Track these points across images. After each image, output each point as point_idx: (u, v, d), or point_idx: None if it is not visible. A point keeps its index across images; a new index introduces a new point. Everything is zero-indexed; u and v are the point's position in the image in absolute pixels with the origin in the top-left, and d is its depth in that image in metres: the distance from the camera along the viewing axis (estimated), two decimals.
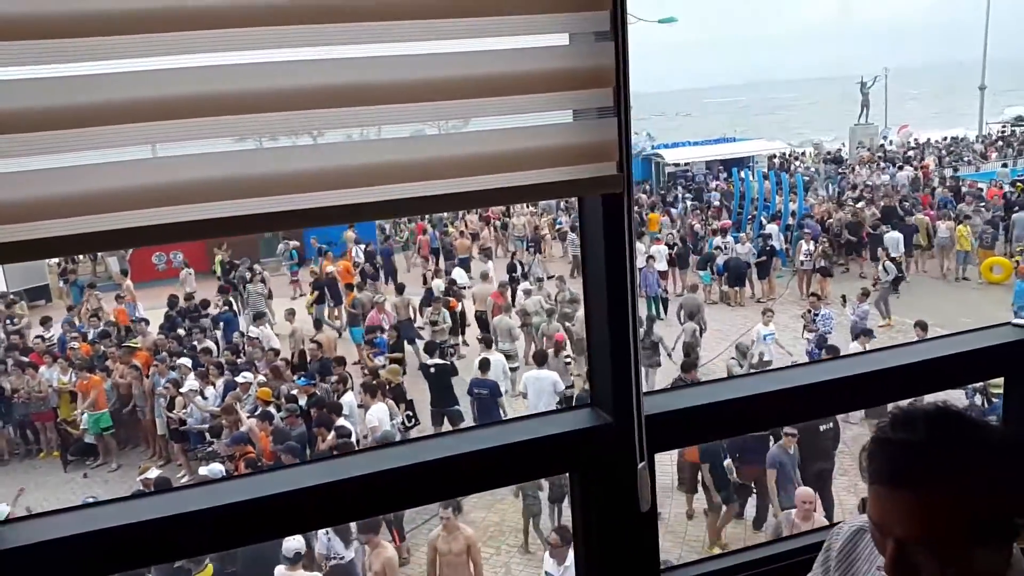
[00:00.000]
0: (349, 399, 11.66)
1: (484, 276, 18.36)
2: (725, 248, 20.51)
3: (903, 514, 1.19)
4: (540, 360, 12.34)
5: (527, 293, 17.41)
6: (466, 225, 26.65)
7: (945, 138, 41.39)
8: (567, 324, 15.74)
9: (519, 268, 19.13)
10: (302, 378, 12.56)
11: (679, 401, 1.88)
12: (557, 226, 26.28)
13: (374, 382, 11.58)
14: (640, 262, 20.04)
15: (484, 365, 12.11)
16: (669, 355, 14.31)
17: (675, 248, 21.35)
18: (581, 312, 15.63)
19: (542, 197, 1.66)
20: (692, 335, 14.99)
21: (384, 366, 12.66)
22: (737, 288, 19.64)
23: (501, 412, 11.81)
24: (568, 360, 13.85)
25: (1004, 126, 46.73)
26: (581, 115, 1.69)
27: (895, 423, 1.23)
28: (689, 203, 28.00)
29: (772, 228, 21.93)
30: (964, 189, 25.12)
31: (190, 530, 1.54)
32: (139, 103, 1.40)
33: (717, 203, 26.12)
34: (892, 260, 18.36)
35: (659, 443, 1.82)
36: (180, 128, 1.46)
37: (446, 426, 12.40)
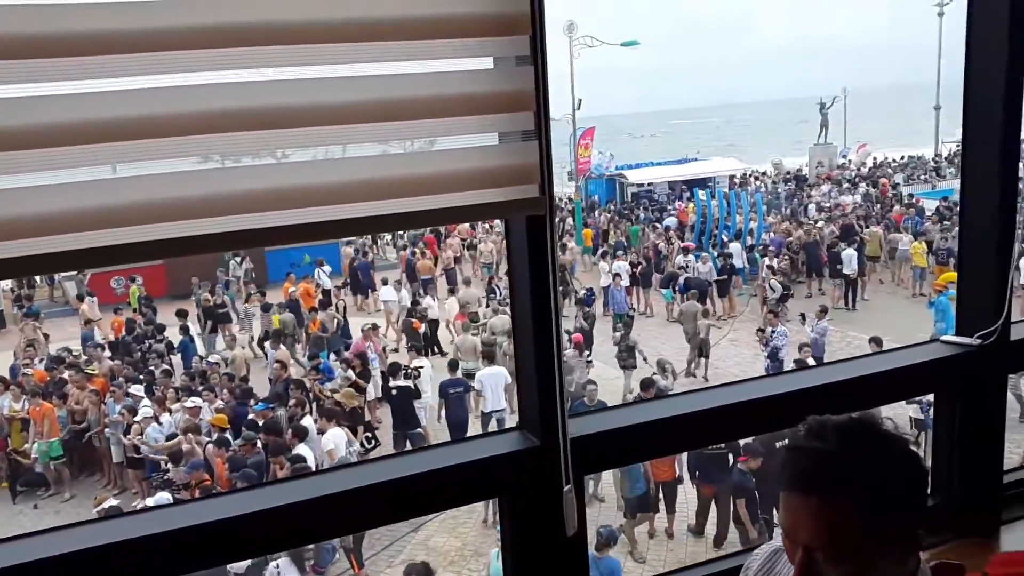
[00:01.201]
0: (308, 423, 11.48)
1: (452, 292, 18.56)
2: (687, 267, 20.69)
3: (809, 520, 1.21)
4: (490, 357, 13.21)
5: (495, 312, 17.42)
6: (427, 246, 26.59)
7: (902, 157, 42.30)
8: None
9: (497, 292, 19.18)
10: (261, 403, 12.37)
11: (606, 422, 1.87)
12: None
13: (331, 406, 11.45)
14: (606, 280, 20.20)
15: (453, 366, 12.88)
16: (645, 359, 14.72)
17: (639, 267, 21.50)
18: None
19: (467, 219, 1.66)
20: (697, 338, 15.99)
21: (336, 390, 12.54)
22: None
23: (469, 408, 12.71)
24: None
25: (958, 145, 47.84)
26: (506, 138, 1.70)
27: (808, 432, 1.27)
28: (647, 221, 28.26)
29: (734, 246, 22.18)
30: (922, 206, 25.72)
31: (132, 558, 1.50)
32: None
33: (675, 226, 26.39)
34: (844, 276, 18.72)
35: (586, 465, 1.81)
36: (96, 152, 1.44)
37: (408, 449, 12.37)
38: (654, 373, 12.58)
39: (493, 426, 12.74)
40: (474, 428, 12.64)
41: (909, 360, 2.28)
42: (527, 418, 1.83)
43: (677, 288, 20.08)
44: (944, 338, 2.32)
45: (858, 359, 2.37)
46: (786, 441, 1.35)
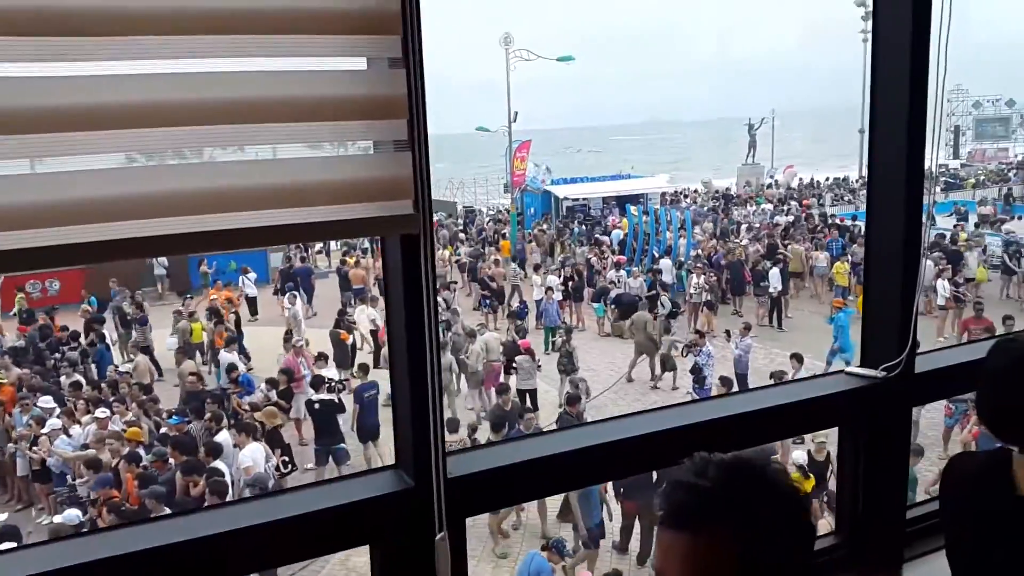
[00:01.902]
0: (224, 438, 11.05)
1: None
2: (618, 282, 20.81)
3: (679, 557, 1.16)
4: (365, 370, 13.51)
5: None
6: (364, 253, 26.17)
7: (828, 178, 43.58)
8: (460, 357, 15.57)
9: (441, 303, 18.98)
10: (174, 416, 11.87)
11: (490, 460, 1.73)
12: (456, 258, 26.18)
13: (249, 421, 11.05)
14: (538, 293, 20.17)
15: (365, 369, 13.30)
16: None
17: (571, 281, 21.53)
18: (476, 345, 15.53)
19: (334, 236, 1.50)
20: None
21: (256, 406, 12.14)
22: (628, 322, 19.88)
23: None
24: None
25: None
26: (379, 148, 1.54)
27: (690, 468, 1.21)
28: (580, 235, 28.43)
29: (664, 262, 22.41)
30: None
31: None
32: None
33: (618, 239, 26.62)
34: (768, 295, 19.12)
35: (465, 508, 1.65)
36: None
37: (331, 465, 12.01)
38: (568, 392, 12.60)
39: None
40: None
41: (813, 392, 2.19)
42: (403, 457, 1.66)
43: (608, 303, 20.20)
44: (848, 369, 2.25)
45: (762, 389, 2.28)
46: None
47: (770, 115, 44.59)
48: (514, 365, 14.44)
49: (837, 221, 28.13)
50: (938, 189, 38.74)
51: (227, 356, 14.60)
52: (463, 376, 15.62)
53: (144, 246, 1.40)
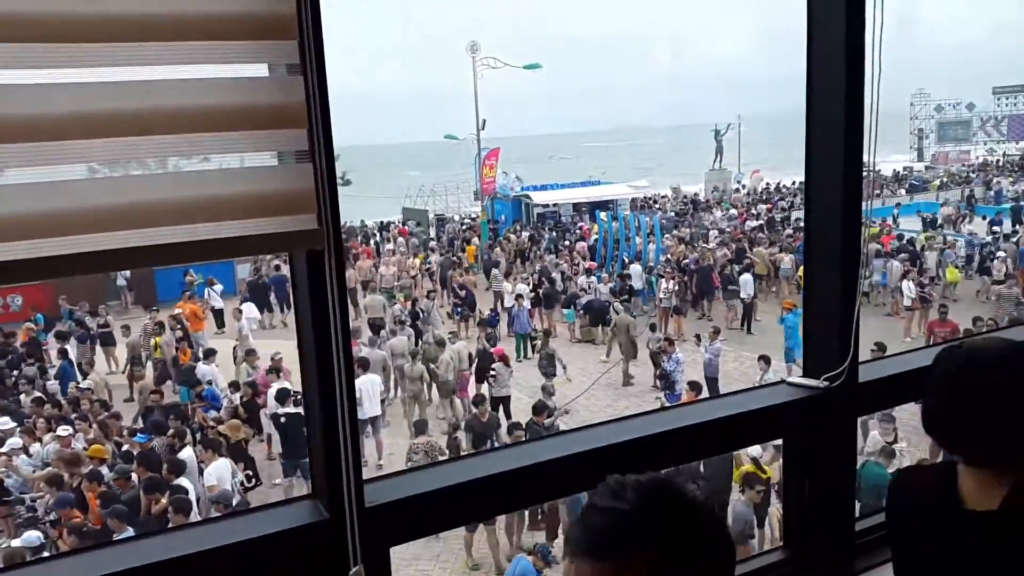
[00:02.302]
0: (188, 454, 10.83)
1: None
2: (589, 288, 20.80)
3: None
4: (364, 366, 13.57)
5: (392, 333, 17.12)
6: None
7: (793, 182, 44.03)
8: (431, 366, 15.45)
9: (420, 315, 18.76)
10: (140, 435, 11.62)
11: (413, 486, 1.64)
12: (427, 265, 26.04)
13: (214, 436, 10.85)
14: (509, 301, 20.10)
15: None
16: (564, 368, 15.91)
17: (542, 287, 21.51)
18: (445, 354, 15.41)
19: (231, 254, 1.40)
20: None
21: (221, 420, 11.94)
22: (600, 327, 19.90)
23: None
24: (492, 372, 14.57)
25: None
26: (281, 159, 1.46)
27: (604, 491, 1.13)
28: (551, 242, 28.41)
29: (634, 268, 22.45)
30: None
31: None
32: None
33: (579, 248, 26.65)
34: (741, 300, 19.18)
35: (385, 538, 1.57)
36: None
37: (297, 476, 11.82)
38: (539, 399, 12.52)
39: (368, 433, 13.33)
40: None
41: (755, 404, 2.13)
42: (318, 486, 1.57)
43: (578, 308, 20.19)
44: (790, 380, 2.19)
45: (703, 402, 2.21)
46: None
47: (736, 120, 45.02)
48: (492, 373, 14.29)
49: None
50: (903, 191, 39.40)
51: (204, 368, 14.38)
52: (434, 385, 15.51)
53: (32, 268, 1.30)
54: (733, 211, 32.22)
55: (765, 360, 13.65)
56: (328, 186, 1.41)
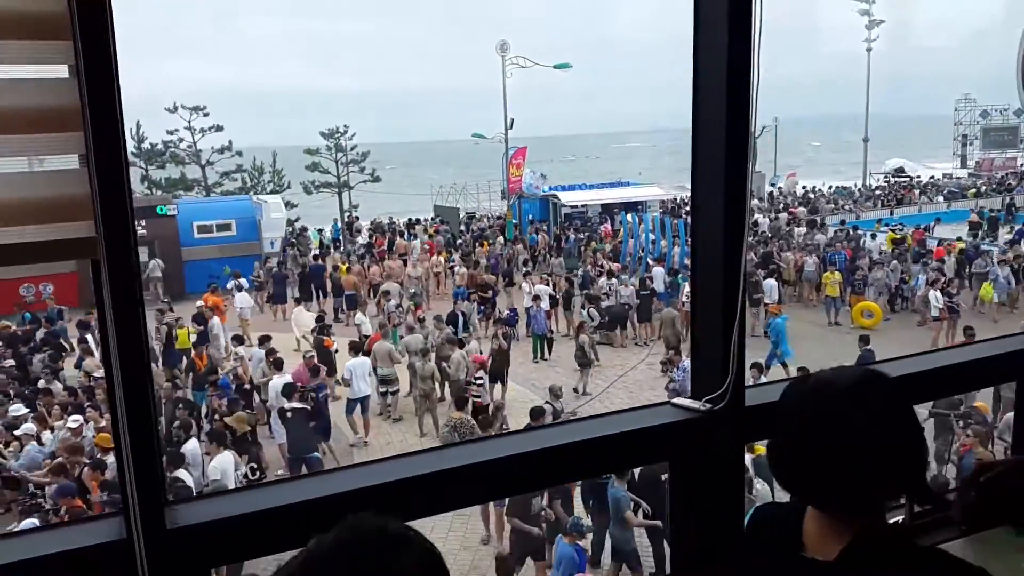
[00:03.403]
0: (193, 446, 10.94)
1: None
2: (610, 290, 20.64)
3: None
4: (357, 349, 14.68)
5: (410, 330, 17.15)
6: (352, 259, 26.12)
7: (829, 186, 43.30)
8: (443, 365, 15.44)
9: (460, 318, 18.73)
10: None
11: (222, 509, 1.56)
12: (451, 263, 26.07)
13: (221, 429, 10.93)
14: (527, 301, 20.03)
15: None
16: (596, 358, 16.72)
17: (562, 290, 21.41)
18: (457, 354, 15.37)
19: (5, 262, 1.34)
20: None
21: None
22: (619, 330, 19.75)
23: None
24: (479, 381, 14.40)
25: (885, 177, 49.40)
26: (57, 163, 1.39)
27: (337, 537, 1.03)
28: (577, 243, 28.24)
29: (657, 270, 22.21)
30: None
31: None
32: None
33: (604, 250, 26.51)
34: (765, 306, 18.84)
35: (188, 563, 1.50)
36: None
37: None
38: (546, 401, 12.40)
39: (357, 413, 14.01)
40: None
41: (638, 424, 2.03)
42: (125, 503, 1.51)
43: (600, 311, 20.03)
44: (675, 401, 2.08)
45: (588, 420, 2.12)
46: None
47: (772, 123, 44.36)
48: (479, 380, 14.09)
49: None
50: (940, 198, 38.49)
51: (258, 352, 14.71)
52: (446, 384, 15.50)
53: None
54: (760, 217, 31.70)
55: (758, 368, 13.44)
56: (111, 192, 1.34)
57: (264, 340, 15.11)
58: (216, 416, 11.98)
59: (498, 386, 15.68)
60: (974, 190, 39.06)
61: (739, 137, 1.89)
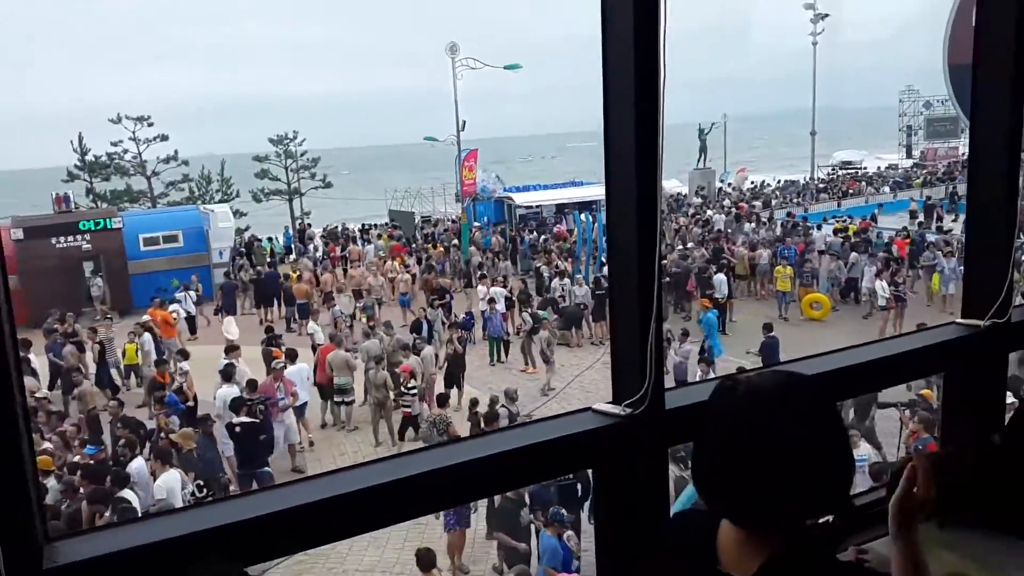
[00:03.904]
0: (138, 465, 10.63)
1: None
2: (563, 290, 20.67)
3: None
4: (292, 357, 14.54)
5: (366, 335, 16.97)
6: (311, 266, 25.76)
7: (779, 181, 43.98)
8: (396, 371, 15.28)
9: (424, 326, 18.54)
10: (90, 447, 11.42)
11: (103, 545, 1.46)
12: (407, 267, 25.84)
13: (167, 446, 10.66)
14: (483, 305, 19.95)
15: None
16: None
17: (517, 291, 21.37)
18: (413, 358, 15.22)
19: None
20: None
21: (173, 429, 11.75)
22: (574, 329, 19.78)
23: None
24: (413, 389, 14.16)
25: (833, 169, 50.37)
26: None
27: None
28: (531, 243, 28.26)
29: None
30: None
31: None
32: None
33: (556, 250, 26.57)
34: (716, 301, 19.06)
35: None
36: None
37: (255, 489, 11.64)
38: (501, 404, 12.33)
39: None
40: None
41: (559, 432, 1.97)
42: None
43: (554, 311, 20.04)
44: (596, 407, 2.02)
45: (508, 430, 2.05)
46: None
47: (722, 120, 44.91)
48: (412, 390, 13.91)
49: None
50: (887, 189, 39.37)
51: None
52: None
53: None
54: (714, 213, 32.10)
55: (706, 361, 13.57)
56: None
57: (229, 350, 14.83)
58: (163, 434, 11.69)
59: (454, 390, 15.57)
60: (920, 180, 40.04)
61: (649, 137, 1.84)
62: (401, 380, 14.39)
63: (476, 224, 31.88)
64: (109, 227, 25.13)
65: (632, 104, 1.82)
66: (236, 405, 11.77)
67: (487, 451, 1.91)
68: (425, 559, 8.40)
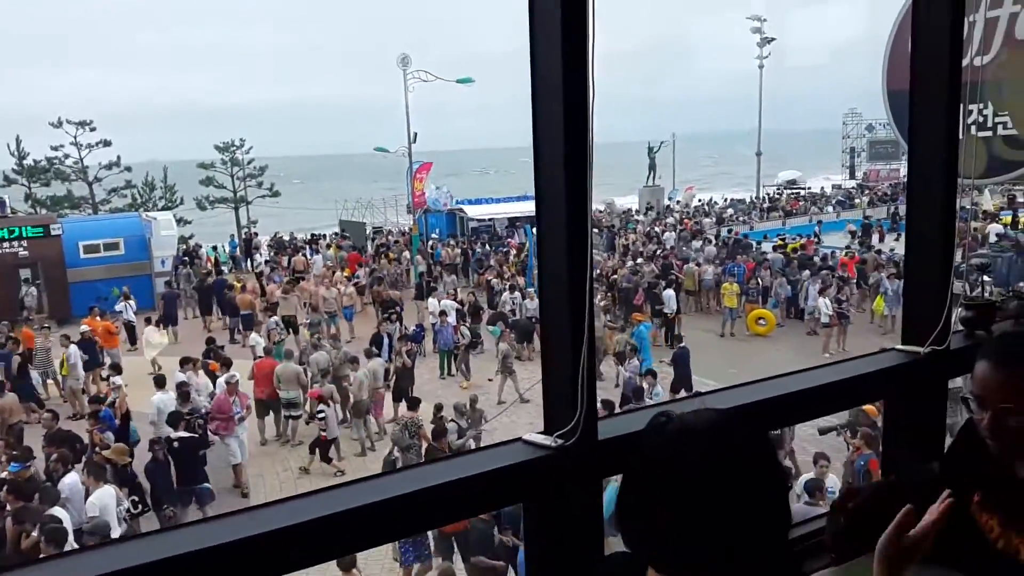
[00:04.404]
0: (72, 481, 10.23)
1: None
2: (513, 304, 20.61)
3: None
4: (228, 364, 14.36)
5: (315, 347, 16.66)
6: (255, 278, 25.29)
7: (726, 199, 44.70)
8: (345, 384, 15.03)
9: (384, 339, 18.17)
10: (14, 463, 10.93)
11: None
12: (355, 280, 25.53)
13: (101, 462, 10.28)
14: (433, 319, 19.78)
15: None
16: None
17: (467, 304, 21.25)
18: (358, 373, 14.98)
19: None
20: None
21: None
22: (526, 344, 19.71)
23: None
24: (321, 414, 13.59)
25: (778, 188, 51.38)
26: None
27: None
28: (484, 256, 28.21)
29: None
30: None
31: None
32: None
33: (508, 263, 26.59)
34: (664, 316, 19.20)
35: None
36: None
37: (192, 507, 11.27)
38: (450, 419, 12.19)
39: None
40: None
41: (489, 465, 1.88)
42: None
43: (506, 325, 19.96)
44: (527, 437, 1.94)
45: (437, 463, 1.96)
46: None
47: (670, 138, 45.51)
48: (321, 415, 13.49)
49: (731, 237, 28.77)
50: (830, 208, 40.27)
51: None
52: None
53: None
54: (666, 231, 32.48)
55: (652, 374, 13.66)
56: None
57: (185, 362, 14.42)
58: (96, 449, 11.27)
59: (402, 404, 15.35)
60: (864, 200, 41.07)
61: (578, 157, 1.78)
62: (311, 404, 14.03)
63: (434, 236, 31.73)
64: (48, 234, 24.39)
65: (561, 125, 1.76)
66: (173, 420, 11.41)
67: (414, 486, 1.81)
68: None
